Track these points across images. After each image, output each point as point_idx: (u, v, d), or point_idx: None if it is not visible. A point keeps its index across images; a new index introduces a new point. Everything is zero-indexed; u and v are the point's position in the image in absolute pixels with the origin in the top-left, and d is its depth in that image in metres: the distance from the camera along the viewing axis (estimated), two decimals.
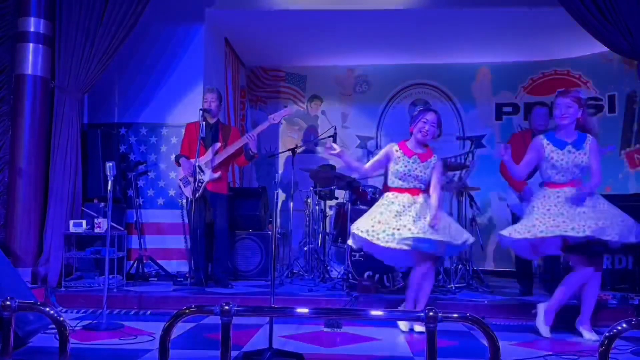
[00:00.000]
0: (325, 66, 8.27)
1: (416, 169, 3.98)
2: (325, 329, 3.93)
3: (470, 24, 6.66)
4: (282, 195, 7.76)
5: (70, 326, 3.73)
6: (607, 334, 1.85)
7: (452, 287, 5.15)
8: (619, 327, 1.85)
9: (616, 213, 3.71)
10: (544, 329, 3.84)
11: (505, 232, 3.86)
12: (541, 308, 3.90)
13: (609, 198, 5.84)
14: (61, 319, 1.99)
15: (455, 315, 1.91)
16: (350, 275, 5.12)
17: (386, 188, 5.84)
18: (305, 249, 6.09)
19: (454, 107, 8.15)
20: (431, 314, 1.84)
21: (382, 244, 3.76)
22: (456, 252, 4.39)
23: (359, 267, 5.07)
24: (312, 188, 6.20)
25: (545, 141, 3.87)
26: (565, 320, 4.05)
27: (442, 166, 4.16)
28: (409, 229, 3.74)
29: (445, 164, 5.83)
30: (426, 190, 4.03)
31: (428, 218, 3.82)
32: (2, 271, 3.52)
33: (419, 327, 3.91)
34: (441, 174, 4.11)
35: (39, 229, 5.27)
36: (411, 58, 7.94)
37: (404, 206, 3.90)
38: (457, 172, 5.94)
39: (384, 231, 3.78)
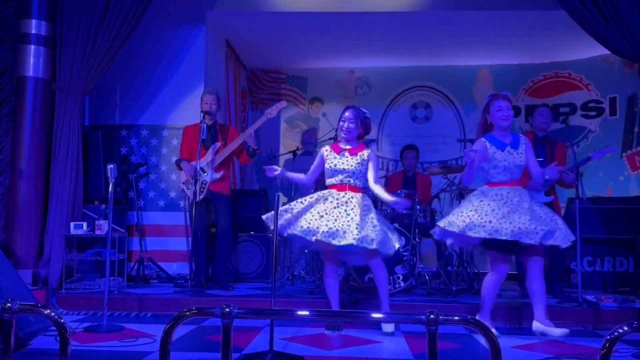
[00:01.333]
0: (326, 68, 8.28)
1: (342, 162, 4.00)
2: (326, 332, 3.93)
3: (471, 26, 6.67)
4: (283, 198, 7.76)
5: (71, 328, 3.74)
6: (608, 337, 1.84)
7: (453, 289, 5.13)
8: (620, 330, 1.84)
9: (550, 217, 3.74)
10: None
11: (441, 224, 3.89)
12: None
13: (610, 201, 5.88)
14: (62, 321, 1.99)
15: (456, 317, 1.90)
16: (351, 277, 5.12)
17: (387, 191, 5.85)
18: (307, 251, 6.08)
19: (455, 109, 8.15)
20: (432, 316, 1.84)
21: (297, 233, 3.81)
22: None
23: (360, 270, 5.06)
24: (312, 190, 6.18)
25: (487, 143, 3.92)
26: (566, 323, 4.05)
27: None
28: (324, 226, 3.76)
29: (446, 166, 5.85)
30: (360, 189, 4.02)
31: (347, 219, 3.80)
32: (2, 273, 3.52)
33: (388, 328, 3.92)
34: (376, 167, 4.07)
35: (39, 230, 5.27)
36: (412, 60, 7.95)
37: (330, 203, 3.90)
38: (458, 175, 5.94)
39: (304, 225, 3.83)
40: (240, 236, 5.94)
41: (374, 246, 3.72)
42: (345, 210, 3.84)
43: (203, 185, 5.20)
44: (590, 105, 7.71)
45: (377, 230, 3.80)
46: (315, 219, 3.83)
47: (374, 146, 8.00)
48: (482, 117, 4.04)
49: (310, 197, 4.02)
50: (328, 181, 4.07)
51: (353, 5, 6.23)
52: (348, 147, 4.08)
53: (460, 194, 5.72)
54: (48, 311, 2.04)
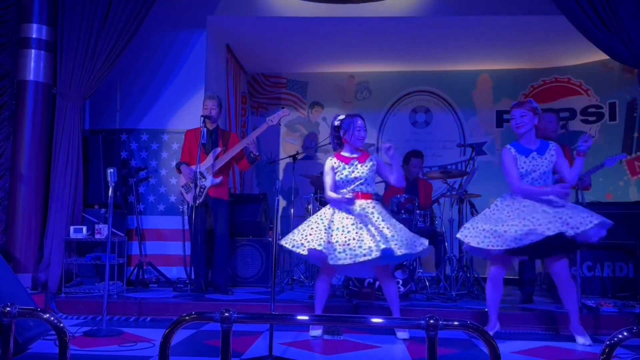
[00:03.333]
0: (327, 73, 8.29)
1: (354, 171, 3.99)
2: (326, 336, 3.93)
3: (471, 31, 6.68)
4: (282, 202, 7.76)
5: (70, 332, 3.74)
6: (607, 342, 1.84)
7: (453, 294, 5.13)
8: (620, 336, 1.84)
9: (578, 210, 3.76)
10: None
11: (463, 238, 3.88)
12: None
13: (610, 206, 5.88)
14: (61, 325, 1.99)
15: (456, 323, 1.90)
16: (350, 282, 5.11)
17: (387, 195, 5.85)
18: None
19: (454, 114, 8.16)
20: (432, 321, 1.83)
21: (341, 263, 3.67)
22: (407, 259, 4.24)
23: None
24: (312, 194, 6.20)
25: (512, 149, 3.98)
26: (565, 327, 4.05)
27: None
28: (365, 244, 3.68)
29: (446, 171, 5.85)
30: (371, 194, 4.01)
31: (379, 228, 3.78)
32: (2, 277, 3.51)
33: (402, 334, 3.93)
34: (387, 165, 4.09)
35: (39, 234, 5.27)
36: (412, 65, 7.97)
37: (353, 218, 3.83)
38: (458, 179, 5.94)
39: (341, 252, 3.68)
40: (239, 240, 5.93)
41: (401, 251, 3.71)
42: (365, 222, 3.81)
43: (202, 190, 5.21)
44: (590, 110, 7.72)
45: (402, 235, 3.81)
46: (341, 237, 3.75)
47: (374, 150, 8.01)
48: None
49: (325, 213, 3.97)
50: (340, 192, 3.98)
51: (353, 11, 6.24)
52: (355, 155, 4.07)
53: (460, 199, 5.72)
54: (47, 315, 2.04)
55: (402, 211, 5.42)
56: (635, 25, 4.83)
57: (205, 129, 5.21)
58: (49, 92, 5.42)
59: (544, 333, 4.26)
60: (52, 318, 2.02)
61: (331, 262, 3.68)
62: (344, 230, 3.77)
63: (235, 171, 6.95)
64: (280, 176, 8.04)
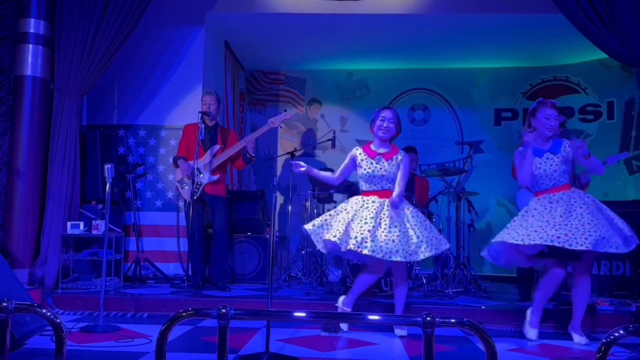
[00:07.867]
0: (325, 70, 8.28)
1: (380, 168, 3.95)
2: (323, 333, 3.93)
3: (470, 30, 6.68)
4: (280, 199, 7.75)
5: (67, 328, 3.73)
6: (604, 340, 1.84)
7: (450, 292, 5.13)
8: (616, 334, 1.84)
9: (610, 222, 3.71)
10: (531, 332, 3.89)
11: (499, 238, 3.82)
12: (528, 312, 3.96)
13: (608, 204, 5.87)
14: (58, 321, 1.99)
15: (452, 320, 1.90)
16: (348, 279, 5.12)
17: None
18: (303, 252, 6.09)
19: (453, 112, 8.16)
20: (429, 319, 1.84)
21: (350, 248, 3.70)
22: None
23: (356, 271, 5.05)
24: (310, 191, 6.20)
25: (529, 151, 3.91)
26: (563, 326, 4.06)
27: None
28: (375, 237, 3.70)
29: (444, 169, 5.86)
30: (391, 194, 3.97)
31: (395, 228, 3.77)
32: None
33: (399, 332, 3.94)
34: (406, 169, 4.03)
35: (36, 230, 5.26)
36: (410, 63, 7.96)
37: (374, 211, 3.82)
38: (456, 177, 5.94)
39: (354, 237, 3.70)
40: (237, 237, 5.94)
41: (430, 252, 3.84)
42: (403, 224, 3.81)
43: (198, 186, 5.20)
44: (588, 109, 7.73)
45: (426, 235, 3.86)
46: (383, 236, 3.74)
47: None
48: (527, 120, 4.01)
49: (352, 206, 3.93)
50: (367, 186, 3.99)
51: (352, 8, 6.24)
52: (382, 150, 4.03)
53: (458, 197, 5.72)
54: (44, 311, 2.03)
55: None
56: (634, 24, 4.83)
57: (203, 125, 5.21)
58: (46, 88, 5.40)
59: (541, 331, 4.26)
60: (48, 314, 2.01)
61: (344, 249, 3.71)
62: (362, 222, 3.77)
63: (233, 168, 6.95)
64: (278, 173, 8.03)
